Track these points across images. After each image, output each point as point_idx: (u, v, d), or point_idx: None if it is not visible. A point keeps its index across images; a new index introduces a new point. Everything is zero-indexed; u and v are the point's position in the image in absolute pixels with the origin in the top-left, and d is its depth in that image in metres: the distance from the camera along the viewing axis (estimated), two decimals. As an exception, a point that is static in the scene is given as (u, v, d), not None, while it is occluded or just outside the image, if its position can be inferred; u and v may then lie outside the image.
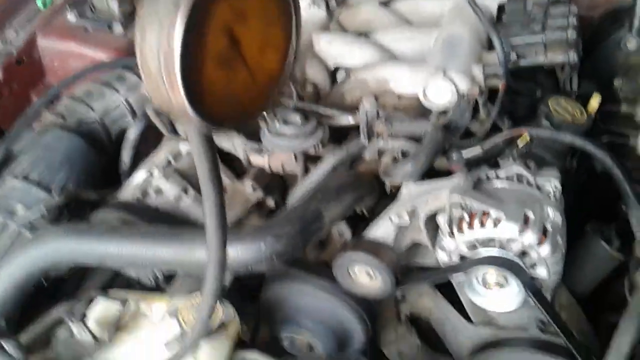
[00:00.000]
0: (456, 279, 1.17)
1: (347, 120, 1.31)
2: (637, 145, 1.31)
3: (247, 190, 1.40)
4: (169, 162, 1.40)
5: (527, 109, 1.37)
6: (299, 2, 0.86)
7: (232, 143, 1.40)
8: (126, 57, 1.60)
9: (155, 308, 1.10)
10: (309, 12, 1.57)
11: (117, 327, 1.07)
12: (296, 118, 1.27)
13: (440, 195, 1.13)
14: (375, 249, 1.16)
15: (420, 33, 1.48)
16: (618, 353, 0.97)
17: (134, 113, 1.52)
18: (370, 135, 1.27)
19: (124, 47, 1.65)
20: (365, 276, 1.18)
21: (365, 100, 1.24)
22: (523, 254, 1.07)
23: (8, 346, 1.02)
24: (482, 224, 1.07)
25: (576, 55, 1.36)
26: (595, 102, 1.32)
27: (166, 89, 0.66)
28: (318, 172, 1.28)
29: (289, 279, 1.22)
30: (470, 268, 1.09)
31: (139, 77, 1.51)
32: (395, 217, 1.16)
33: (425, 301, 1.37)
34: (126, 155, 1.46)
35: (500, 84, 1.30)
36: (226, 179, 1.43)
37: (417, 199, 1.17)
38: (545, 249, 1.05)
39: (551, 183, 1.14)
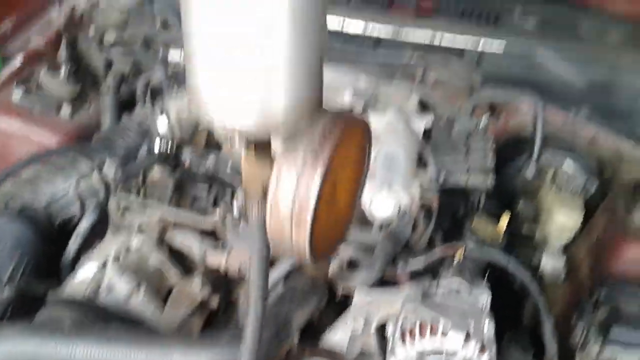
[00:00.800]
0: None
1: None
2: (542, 265, 1.53)
3: (195, 287, 1.43)
4: (118, 258, 1.40)
5: (450, 226, 1.56)
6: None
7: (185, 241, 1.44)
8: (80, 143, 1.59)
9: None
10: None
11: None
12: (259, 223, 1.35)
13: (394, 304, 1.26)
14: (331, 356, 1.25)
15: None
16: None
17: (81, 203, 1.50)
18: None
19: (73, 132, 1.63)
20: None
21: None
22: (465, 362, 1.22)
23: None
24: (432, 334, 1.20)
25: (492, 179, 1.59)
26: (504, 222, 1.55)
27: (291, 231, 0.73)
28: (274, 276, 1.35)
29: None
30: (421, 377, 1.21)
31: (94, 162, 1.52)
32: (352, 322, 1.27)
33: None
34: (73, 247, 1.44)
35: (432, 200, 1.48)
36: (174, 275, 1.46)
37: (369, 306, 1.29)
38: (486, 357, 1.20)
39: (483, 297, 1.31)
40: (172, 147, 1.50)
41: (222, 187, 1.46)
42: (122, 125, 1.67)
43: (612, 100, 1.86)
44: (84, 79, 1.85)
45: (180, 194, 1.43)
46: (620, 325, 1.31)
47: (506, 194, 1.77)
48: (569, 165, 1.73)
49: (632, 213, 1.51)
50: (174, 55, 1.96)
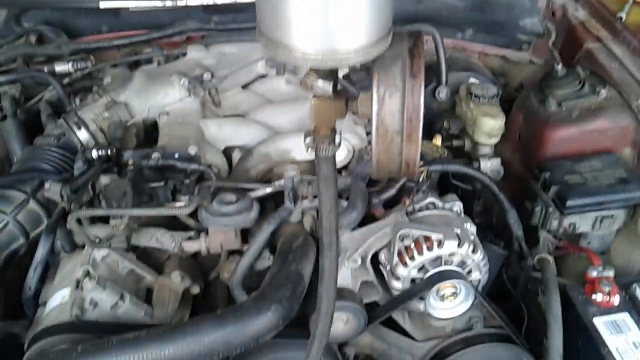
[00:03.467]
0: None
1: (268, 190, 1.41)
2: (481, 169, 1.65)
3: (175, 280, 1.38)
4: (87, 274, 1.31)
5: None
6: None
7: (156, 238, 1.38)
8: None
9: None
10: (185, 102, 1.63)
11: None
12: (231, 197, 1.33)
13: (384, 234, 1.31)
14: (343, 294, 1.28)
15: (293, 106, 1.66)
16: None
17: (25, 233, 1.37)
18: (295, 199, 1.39)
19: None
20: (340, 323, 1.28)
21: (289, 168, 1.36)
22: (462, 263, 1.30)
23: None
24: (429, 248, 1.27)
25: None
26: (438, 139, 1.67)
27: (402, 147, 0.80)
28: (259, 241, 1.34)
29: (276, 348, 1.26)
30: (430, 287, 1.27)
31: (26, 193, 1.39)
32: (351, 263, 1.30)
33: (364, 339, 1.50)
34: (33, 278, 1.32)
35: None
36: (149, 276, 1.40)
37: (360, 243, 1.33)
38: (478, 255, 1.30)
39: (456, 205, 1.40)
40: (110, 152, 1.42)
41: (177, 176, 1.40)
42: (38, 148, 1.54)
43: (490, 16, 2.03)
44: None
45: (137, 195, 1.36)
46: (572, 196, 1.46)
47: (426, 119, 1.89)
48: (474, 80, 1.87)
49: (544, 103, 1.67)
50: (60, 67, 1.84)
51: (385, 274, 1.35)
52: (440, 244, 1.27)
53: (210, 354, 1.05)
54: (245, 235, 1.42)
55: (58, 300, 1.27)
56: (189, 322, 1.07)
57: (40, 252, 1.31)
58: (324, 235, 0.83)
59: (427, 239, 1.28)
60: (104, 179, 1.37)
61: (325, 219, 0.82)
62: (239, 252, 1.46)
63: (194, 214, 1.43)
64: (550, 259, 1.42)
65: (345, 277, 1.31)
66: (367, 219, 1.39)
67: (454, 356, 1.38)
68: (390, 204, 1.42)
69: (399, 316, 1.45)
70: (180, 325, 1.06)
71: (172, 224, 1.45)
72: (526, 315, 1.53)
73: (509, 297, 1.59)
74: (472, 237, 1.31)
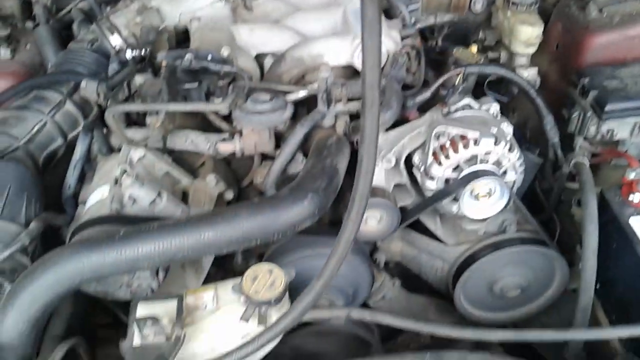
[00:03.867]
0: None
1: (302, 93, 1.40)
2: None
3: (210, 184, 1.40)
4: (127, 171, 1.33)
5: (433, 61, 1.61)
6: None
7: (191, 140, 1.39)
8: (34, 79, 1.45)
9: (206, 296, 1.07)
10: (216, 7, 1.61)
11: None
12: (265, 96, 1.32)
13: (419, 134, 1.30)
14: (377, 192, 1.28)
15: (325, 13, 1.63)
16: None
17: (62, 133, 1.39)
18: (329, 101, 1.38)
19: (19, 71, 1.50)
20: (373, 221, 1.29)
21: (323, 69, 1.34)
22: (497, 163, 1.29)
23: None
24: (465, 146, 1.26)
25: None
26: (475, 47, 1.63)
27: None
28: (292, 143, 1.34)
29: (307, 244, 1.27)
30: (464, 185, 1.27)
31: (62, 94, 1.41)
32: (385, 163, 1.30)
33: (395, 245, 1.52)
34: (72, 177, 1.34)
35: (415, 41, 1.52)
36: (184, 179, 1.41)
37: (394, 143, 1.32)
38: (514, 154, 1.28)
39: (492, 107, 1.38)
40: (144, 53, 1.42)
41: (210, 78, 1.40)
42: (72, 52, 1.54)
43: None
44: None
45: (172, 95, 1.36)
46: (611, 100, 1.43)
47: (462, 31, 1.85)
48: (510, -10, 1.81)
49: (585, 10, 1.61)
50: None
51: (418, 177, 1.35)
52: (476, 142, 1.25)
53: (248, 240, 1.07)
54: (279, 141, 1.43)
55: (97, 197, 1.30)
56: (228, 209, 1.09)
57: (79, 149, 1.33)
58: (367, 91, 0.81)
59: (463, 137, 1.27)
60: (139, 78, 1.37)
61: (368, 73, 0.79)
62: (272, 158, 1.47)
63: (227, 118, 1.44)
64: (587, 162, 1.40)
65: (379, 177, 1.31)
66: (401, 124, 1.38)
67: (485, 259, 1.39)
68: (424, 109, 1.41)
69: (430, 221, 1.46)
70: (219, 211, 1.08)
71: (206, 129, 1.46)
72: (558, 227, 1.52)
73: (541, 210, 1.58)
74: (508, 137, 1.29)
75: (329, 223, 1.42)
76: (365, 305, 1.51)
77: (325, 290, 1.28)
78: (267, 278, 1.06)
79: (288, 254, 1.31)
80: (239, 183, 1.51)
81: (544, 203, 1.59)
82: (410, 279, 1.57)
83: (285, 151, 1.34)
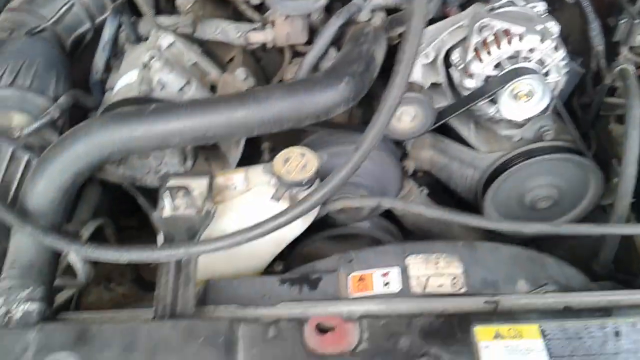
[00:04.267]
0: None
1: (339, -15, 1.34)
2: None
3: (239, 77, 1.36)
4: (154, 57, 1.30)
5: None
6: None
7: (221, 29, 1.34)
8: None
9: (236, 178, 1.05)
10: None
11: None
12: (300, -18, 1.27)
13: (460, 29, 1.24)
14: (413, 87, 1.24)
15: None
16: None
17: (90, 17, 1.35)
18: (366, -6, 1.32)
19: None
20: (407, 117, 1.25)
21: (361, -40, 1.28)
22: (540, 62, 1.23)
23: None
24: (509, 42, 1.20)
25: None
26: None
27: None
28: (326, 36, 1.29)
29: (337, 141, 1.25)
30: (505, 84, 1.22)
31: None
32: (423, 57, 1.25)
33: (425, 152, 1.48)
34: (100, 60, 1.31)
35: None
36: (213, 71, 1.38)
37: (433, 38, 1.27)
38: (559, 54, 1.22)
39: (538, 5, 1.31)
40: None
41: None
42: None
43: None
44: None
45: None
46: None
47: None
48: None
49: None
50: None
51: (456, 76, 1.30)
52: (520, 37, 1.19)
53: (279, 122, 1.03)
54: (311, 36, 1.38)
55: (126, 81, 1.27)
56: (261, 89, 1.05)
57: (107, 31, 1.29)
58: None
59: (506, 32, 1.21)
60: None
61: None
62: (303, 55, 1.43)
63: (259, 9, 1.39)
64: (632, 69, 1.34)
65: (416, 73, 1.26)
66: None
67: (517, 166, 1.35)
68: (465, 7, 1.34)
69: (463, 127, 1.42)
70: (252, 91, 1.04)
71: (237, 20, 1.41)
72: (595, 144, 1.47)
73: (578, 127, 1.53)
74: (554, 36, 1.23)
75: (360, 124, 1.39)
76: (389, 215, 1.49)
77: (354, 188, 1.28)
78: (299, 160, 1.03)
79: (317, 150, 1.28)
80: (268, 81, 1.48)
81: (580, 119, 1.54)
82: (436, 194, 1.55)
83: (319, 44, 1.29)
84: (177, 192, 0.94)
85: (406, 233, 1.54)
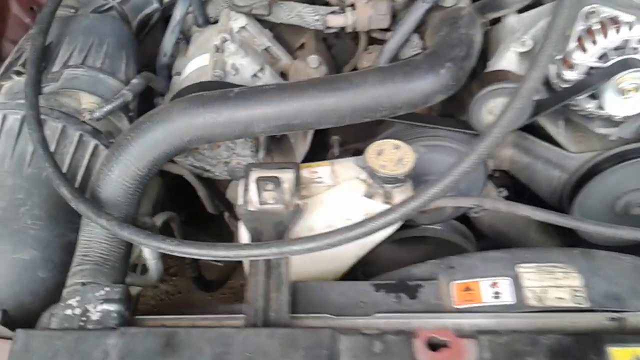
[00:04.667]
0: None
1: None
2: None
3: (311, 65, 1.28)
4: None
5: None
6: None
7: (298, 12, 1.25)
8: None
9: (321, 171, 0.96)
10: None
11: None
12: (387, -37, 1.17)
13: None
14: (508, 76, 1.13)
15: None
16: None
17: (159, -3, 1.28)
18: (454, -23, 1.22)
19: None
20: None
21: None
22: (649, 54, 1.12)
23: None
24: (617, 31, 1.09)
25: None
26: None
27: None
28: (409, 21, 1.19)
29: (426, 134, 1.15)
30: (610, 77, 1.10)
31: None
32: (518, 45, 1.14)
33: (505, 151, 1.38)
34: (169, 42, 1.23)
35: None
36: (284, 58, 1.29)
37: (530, 25, 1.16)
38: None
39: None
40: None
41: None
42: None
43: None
44: None
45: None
46: None
47: None
48: None
49: None
50: None
51: (552, 68, 1.19)
52: (630, 27, 1.08)
53: (374, 108, 0.94)
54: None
55: (196, 64, 1.19)
56: (355, 73, 0.96)
57: (178, 12, 1.22)
58: None
59: (614, 20, 1.10)
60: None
61: None
62: (379, 42, 1.33)
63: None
64: None
65: (511, 60, 1.16)
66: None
67: (612, 168, 1.24)
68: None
69: (551, 125, 1.30)
70: (345, 75, 0.95)
71: (312, 3, 1.32)
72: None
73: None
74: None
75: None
76: (463, 218, 1.39)
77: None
78: (393, 153, 0.94)
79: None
80: (339, 70, 1.38)
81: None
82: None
83: (402, 29, 1.20)
84: (266, 183, 0.85)
85: (477, 236, 1.44)
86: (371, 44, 1.34)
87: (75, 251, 0.91)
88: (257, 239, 0.84)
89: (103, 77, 1.02)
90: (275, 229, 0.85)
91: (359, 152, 1.42)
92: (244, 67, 1.16)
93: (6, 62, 1.12)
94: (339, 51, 1.40)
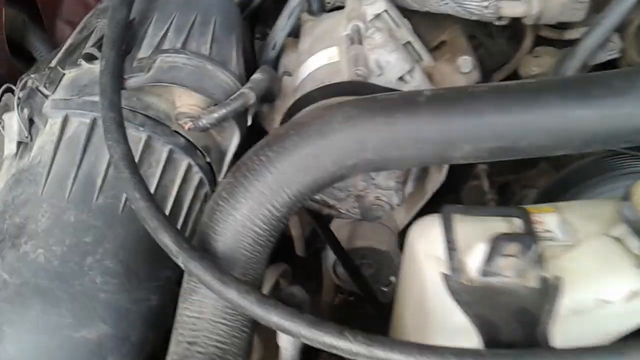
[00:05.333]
0: None
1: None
2: None
3: (462, 69, 0.96)
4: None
5: None
6: None
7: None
8: None
9: (549, 221, 0.62)
10: None
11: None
12: None
13: None
14: None
15: None
16: None
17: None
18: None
19: None
20: None
21: None
22: None
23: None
24: None
25: None
26: None
27: None
28: (617, 12, 0.86)
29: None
30: None
31: None
32: None
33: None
34: (282, 32, 0.92)
35: None
36: (426, 57, 0.97)
37: None
38: None
39: None
40: None
41: None
42: None
43: None
44: None
45: None
46: None
47: None
48: None
49: None
50: None
51: None
52: None
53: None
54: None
55: (320, 61, 0.87)
56: (616, 74, 0.62)
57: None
58: None
59: None
60: None
61: None
62: (549, 42, 1.01)
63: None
64: None
65: None
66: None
67: None
68: None
69: None
70: (604, 76, 0.61)
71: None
72: None
73: None
74: None
75: None
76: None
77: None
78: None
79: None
80: (486, 78, 1.06)
81: None
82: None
83: (603, 25, 0.87)
84: (508, 244, 0.51)
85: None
86: (539, 45, 1.02)
87: (172, 333, 0.58)
88: (493, 337, 0.50)
89: (212, 68, 0.70)
90: (519, 321, 0.51)
91: (506, 187, 1.10)
92: (390, 66, 0.84)
93: (66, 45, 0.80)
94: (488, 53, 1.08)
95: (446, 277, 0.54)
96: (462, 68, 0.96)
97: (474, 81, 0.97)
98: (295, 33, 1.02)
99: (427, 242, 0.61)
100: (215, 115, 0.67)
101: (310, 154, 0.58)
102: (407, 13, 1.00)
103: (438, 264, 0.58)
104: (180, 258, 0.54)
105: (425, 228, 0.63)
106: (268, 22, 1.09)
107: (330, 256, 1.03)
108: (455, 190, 1.09)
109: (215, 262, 0.55)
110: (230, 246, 0.58)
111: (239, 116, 0.72)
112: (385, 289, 1.07)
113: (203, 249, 0.58)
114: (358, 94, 0.79)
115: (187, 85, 0.69)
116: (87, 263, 0.63)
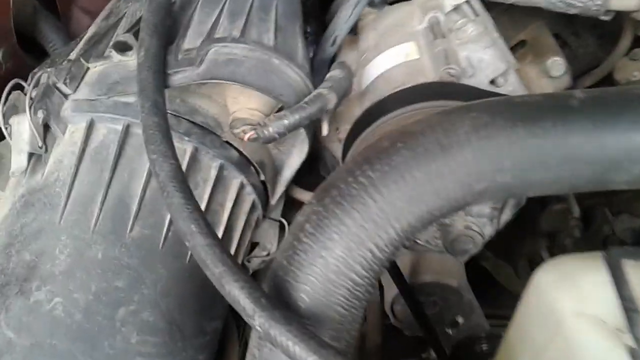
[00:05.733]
0: None
1: None
2: None
3: (553, 73, 0.82)
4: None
5: None
6: None
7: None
8: None
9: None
10: None
11: None
12: None
13: None
14: None
15: None
16: None
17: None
18: None
19: None
20: None
21: None
22: None
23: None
24: None
25: None
26: None
27: None
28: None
29: None
30: None
31: None
32: None
33: None
34: (344, 24, 0.76)
35: None
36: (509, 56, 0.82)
37: None
38: None
39: None
40: None
41: None
42: None
43: None
44: None
45: None
46: None
47: None
48: None
49: None
50: None
51: None
52: None
53: None
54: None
55: (396, 59, 0.72)
56: None
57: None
58: None
59: None
60: None
61: None
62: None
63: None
64: None
65: None
66: None
67: None
68: None
69: None
70: None
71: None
72: None
73: None
74: None
75: None
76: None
77: None
78: None
79: None
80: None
81: None
82: None
83: None
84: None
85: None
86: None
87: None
88: None
89: (279, 63, 0.54)
90: None
91: (591, 211, 0.96)
92: (484, 65, 0.69)
93: (88, 34, 0.65)
94: (574, 55, 0.93)
95: (633, 353, 0.39)
96: (552, 71, 0.81)
97: (565, 87, 0.83)
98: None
99: (578, 296, 0.45)
100: (286, 122, 0.52)
101: (428, 175, 0.43)
102: (490, 6, 0.86)
103: (603, 330, 0.42)
104: (258, 320, 0.39)
105: (569, 275, 0.47)
106: (308, 18, 0.95)
107: (389, 292, 0.88)
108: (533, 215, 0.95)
109: (305, 327, 0.39)
110: (319, 300, 0.42)
111: (310, 124, 0.57)
112: (449, 331, 0.92)
113: (284, 305, 0.42)
114: (453, 98, 0.65)
115: (250, 83, 0.53)
116: (119, 316, 0.47)
